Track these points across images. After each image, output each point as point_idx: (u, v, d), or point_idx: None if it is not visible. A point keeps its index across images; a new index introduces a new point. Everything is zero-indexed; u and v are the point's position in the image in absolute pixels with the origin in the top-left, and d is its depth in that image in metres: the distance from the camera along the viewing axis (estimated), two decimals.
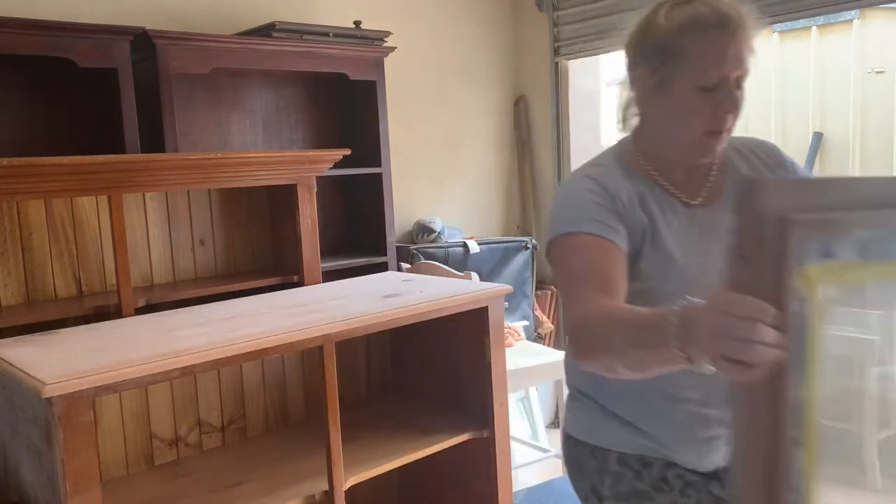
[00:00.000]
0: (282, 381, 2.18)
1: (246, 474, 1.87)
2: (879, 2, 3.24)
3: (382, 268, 3.14)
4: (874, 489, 1.01)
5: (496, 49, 4.11)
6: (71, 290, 2.12)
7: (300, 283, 2.34)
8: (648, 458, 1.31)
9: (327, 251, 3.04)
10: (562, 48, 3.95)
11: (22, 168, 1.82)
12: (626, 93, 1.33)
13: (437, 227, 3.61)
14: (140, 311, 2.04)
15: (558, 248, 1.25)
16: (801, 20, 3.72)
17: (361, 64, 3.13)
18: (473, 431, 2.11)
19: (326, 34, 3.03)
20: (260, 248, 2.51)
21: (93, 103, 2.62)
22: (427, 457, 2.01)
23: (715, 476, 1.30)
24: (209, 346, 1.56)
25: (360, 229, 3.40)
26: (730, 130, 1.23)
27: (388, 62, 3.24)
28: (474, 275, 2.98)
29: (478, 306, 2.05)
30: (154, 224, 2.27)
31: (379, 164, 3.22)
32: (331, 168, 2.44)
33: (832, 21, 4.08)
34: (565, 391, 3.18)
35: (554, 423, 3.94)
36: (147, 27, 2.59)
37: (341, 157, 2.42)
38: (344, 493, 1.79)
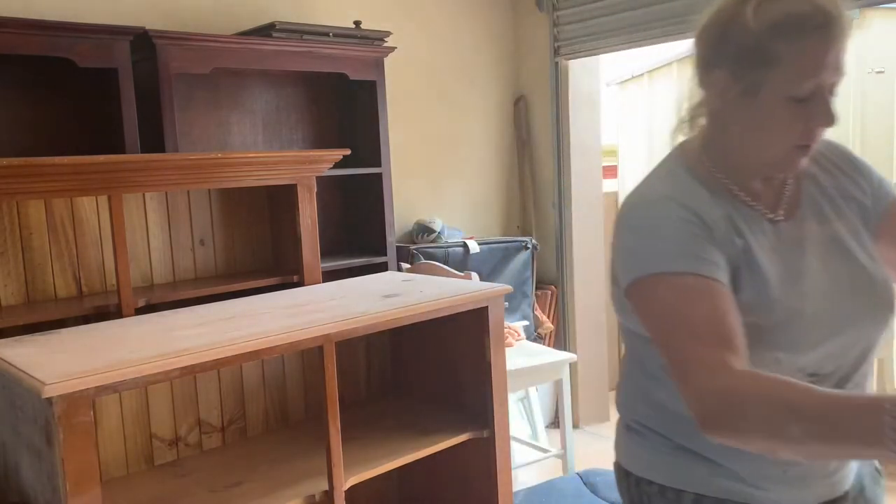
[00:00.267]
0: (282, 381, 2.18)
1: (246, 474, 1.87)
2: (879, 2, 3.25)
3: (382, 268, 3.14)
4: None
5: (496, 49, 4.11)
6: (71, 290, 2.12)
7: (300, 283, 2.34)
8: (729, 501, 1.13)
9: (327, 251, 3.04)
10: (562, 48, 3.95)
11: (22, 168, 1.82)
12: (696, 91, 1.15)
13: (437, 227, 3.61)
14: (140, 311, 2.04)
15: (650, 291, 1.06)
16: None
17: (361, 64, 3.13)
18: (473, 431, 2.10)
19: (326, 34, 3.03)
20: (260, 248, 2.51)
21: (93, 103, 2.62)
22: (427, 457, 2.01)
23: None
24: (209, 346, 1.56)
25: (360, 229, 3.40)
26: (818, 142, 1.08)
27: (388, 62, 3.24)
28: (474, 275, 2.98)
29: (478, 306, 2.05)
30: (154, 224, 2.27)
31: (379, 164, 3.22)
32: (331, 168, 2.44)
33: None
34: (566, 391, 3.21)
35: (554, 423, 3.94)
36: (147, 27, 2.59)
37: (341, 157, 2.42)
38: (344, 493, 1.79)
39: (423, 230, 3.62)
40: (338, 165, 2.49)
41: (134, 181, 2.00)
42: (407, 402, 2.36)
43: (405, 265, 3.33)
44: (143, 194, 2.22)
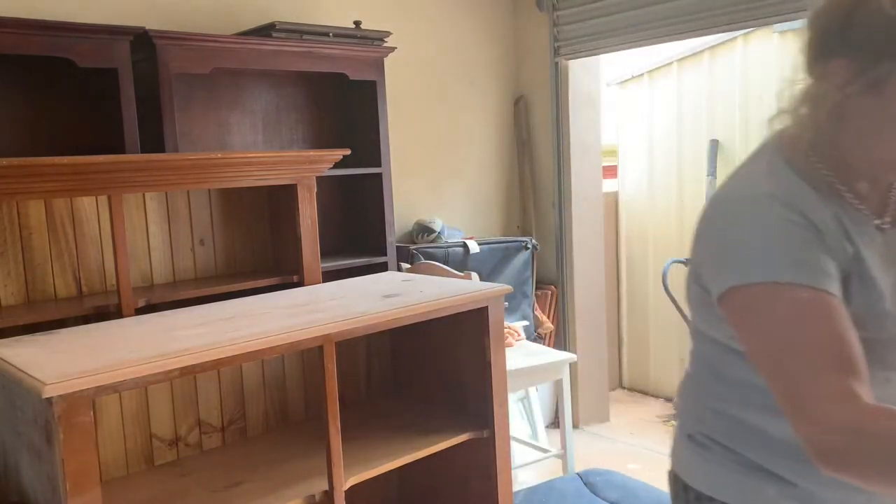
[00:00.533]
0: (282, 381, 2.18)
1: (246, 474, 1.87)
2: None
3: (382, 268, 3.14)
4: None
5: (496, 49, 4.11)
6: (71, 290, 2.12)
7: (300, 283, 2.34)
8: None
9: (327, 251, 3.04)
10: (562, 48, 3.95)
11: (22, 168, 1.82)
12: (801, 78, 1.03)
13: (437, 227, 3.61)
14: (140, 311, 2.04)
15: (755, 303, 0.95)
16: (801, 20, 3.72)
17: (361, 64, 3.13)
18: (473, 431, 2.10)
19: (326, 34, 3.03)
20: (260, 248, 2.51)
21: (93, 103, 2.62)
22: (427, 457, 2.01)
23: None
24: (209, 346, 1.56)
25: (360, 229, 3.40)
26: None
27: (388, 62, 3.24)
28: (474, 275, 2.98)
29: (478, 306, 2.05)
30: (154, 224, 2.26)
31: (379, 164, 3.22)
32: (331, 168, 2.43)
33: None
34: (565, 391, 3.21)
35: (554, 423, 3.94)
36: (147, 27, 2.60)
37: (341, 157, 2.42)
38: (344, 493, 1.79)
39: (423, 230, 3.62)
40: (338, 165, 2.49)
41: (134, 181, 2.00)
42: (407, 402, 2.36)
43: (405, 265, 3.33)
44: (143, 194, 2.22)
